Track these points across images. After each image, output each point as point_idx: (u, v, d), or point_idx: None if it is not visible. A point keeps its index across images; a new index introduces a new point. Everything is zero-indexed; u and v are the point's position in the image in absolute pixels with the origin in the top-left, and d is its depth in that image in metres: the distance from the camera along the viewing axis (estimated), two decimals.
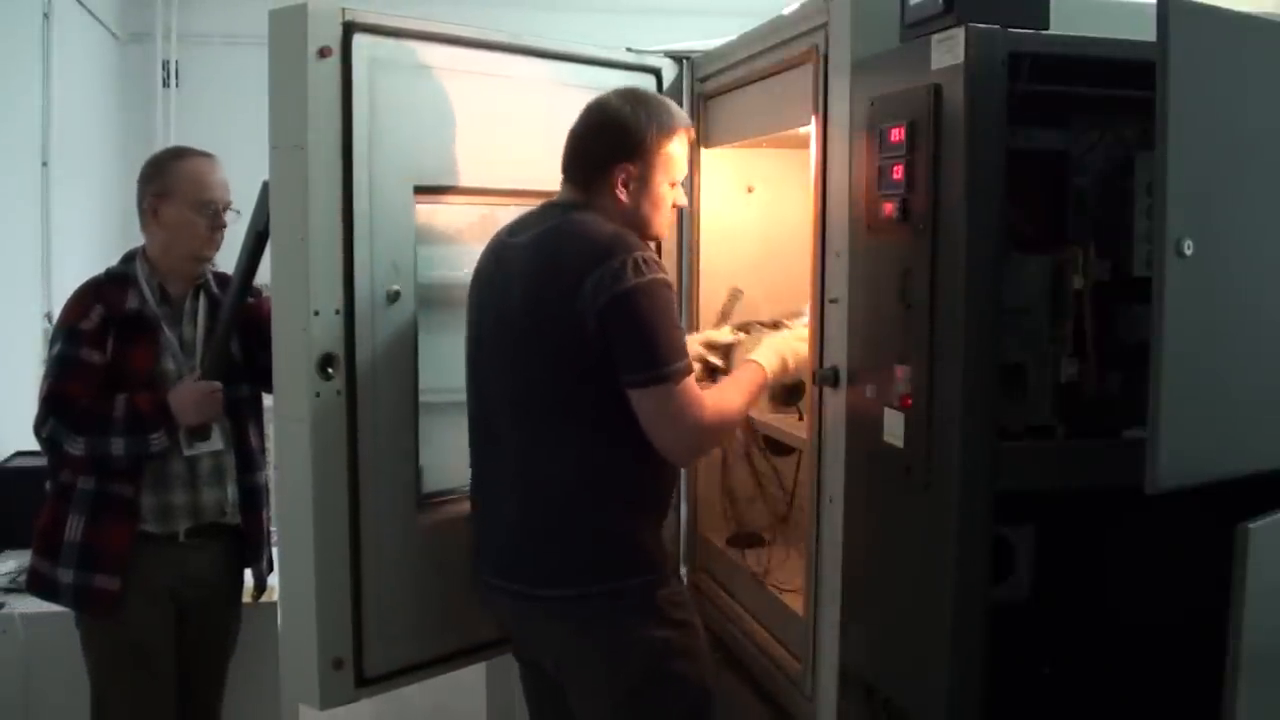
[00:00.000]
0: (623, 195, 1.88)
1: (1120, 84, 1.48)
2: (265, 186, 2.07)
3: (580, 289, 1.73)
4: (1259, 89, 1.35)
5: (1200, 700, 1.38)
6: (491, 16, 2.23)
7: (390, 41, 2.01)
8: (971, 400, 1.42)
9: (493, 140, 2.16)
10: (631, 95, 1.92)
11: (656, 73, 2.43)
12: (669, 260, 2.56)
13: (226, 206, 2.41)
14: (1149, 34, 1.25)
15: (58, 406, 2.25)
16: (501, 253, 1.91)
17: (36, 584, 2.36)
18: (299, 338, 1.93)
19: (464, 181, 2.14)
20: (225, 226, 2.41)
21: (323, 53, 1.90)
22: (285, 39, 1.91)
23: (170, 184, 2.36)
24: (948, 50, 1.43)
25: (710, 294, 2.54)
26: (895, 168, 1.52)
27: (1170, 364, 1.26)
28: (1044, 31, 1.46)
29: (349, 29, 1.93)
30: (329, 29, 1.91)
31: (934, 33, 1.45)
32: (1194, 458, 1.31)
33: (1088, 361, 1.58)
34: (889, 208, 1.55)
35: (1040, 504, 1.59)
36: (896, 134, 1.52)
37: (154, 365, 2.33)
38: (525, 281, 1.83)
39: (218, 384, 2.33)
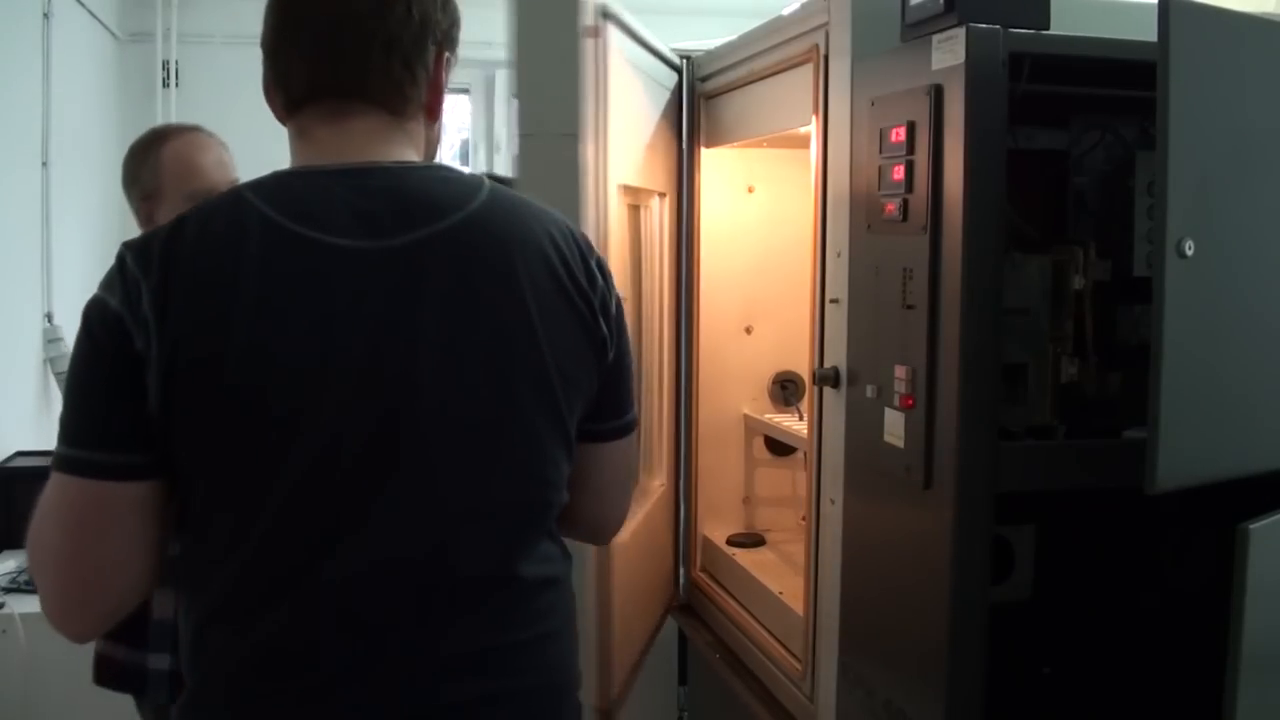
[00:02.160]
0: (437, 116, 1.21)
1: (1120, 84, 1.48)
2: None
3: (594, 295, 1.17)
4: (1259, 89, 1.35)
5: (1200, 700, 1.38)
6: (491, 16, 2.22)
7: (624, 36, 1.91)
8: (971, 400, 1.42)
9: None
10: None
11: (679, 69, 2.47)
12: (670, 261, 2.56)
13: (233, 185, 2.31)
14: (1149, 34, 1.25)
15: None
16: (353, 267, 1.08)
17: (110, 675, 1.89)
18: None
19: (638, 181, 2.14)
20: None
21: (591, 32, 1.76)
22: (545, 16, 1.77)
23: (156, 182, 1.93)
24: (948, 50, 1.42)
25: (711, 295, 2.54)
26: (895, 168, 1.52)
27: (1170, 364, 1.26)
28: (1044, 31, 1.46)
29: (604, 15, 1.82)
30: (591, 10, 1.79)
31: (934, 33, 1.45)
32: (1194, 458, 1.31)
33: (1088, 361, 1.58)
34: (889, 208, 1.55)
35: (1040, 504, 1.59)
36: (896, 134, 1.52)
37: None
38: (496, 303, 1.11)
39: None
